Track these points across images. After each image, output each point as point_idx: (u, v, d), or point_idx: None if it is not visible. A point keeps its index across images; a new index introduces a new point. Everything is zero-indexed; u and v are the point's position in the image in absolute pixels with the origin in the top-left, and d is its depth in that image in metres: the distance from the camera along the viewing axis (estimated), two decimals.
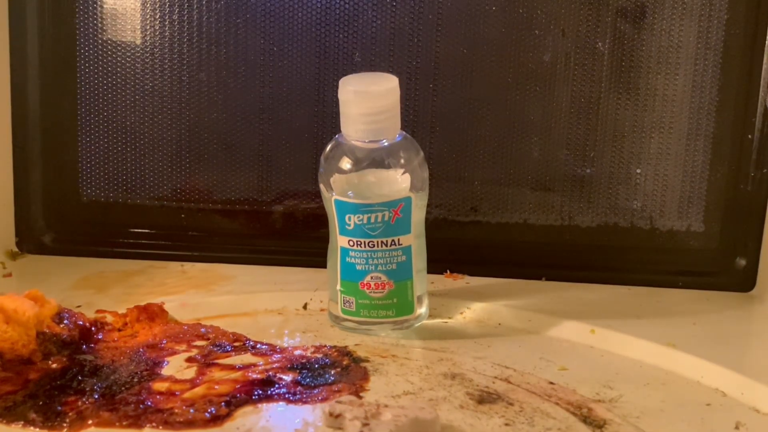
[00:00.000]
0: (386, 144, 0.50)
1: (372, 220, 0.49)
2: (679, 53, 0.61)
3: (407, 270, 0.50)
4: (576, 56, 0.62)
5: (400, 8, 0.63)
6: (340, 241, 0.51)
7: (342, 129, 0.50)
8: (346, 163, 0.50)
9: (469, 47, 0.63)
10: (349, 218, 0.49)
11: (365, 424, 0.37)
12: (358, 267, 0.50)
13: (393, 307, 0.50)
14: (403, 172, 0.50)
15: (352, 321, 0.51)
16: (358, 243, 0.50)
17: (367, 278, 0.50)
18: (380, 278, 0.50)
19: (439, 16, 0.62)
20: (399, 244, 0.50)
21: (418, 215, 0.51)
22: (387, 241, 0.50)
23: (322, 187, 0.51)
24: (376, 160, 0.50)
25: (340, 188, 0.50)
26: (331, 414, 0.38)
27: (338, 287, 0.51)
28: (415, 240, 0.51)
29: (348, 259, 0.50)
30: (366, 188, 0.49)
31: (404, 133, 0.51)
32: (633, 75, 0.62)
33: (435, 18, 0.62)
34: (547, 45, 0.62)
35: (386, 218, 0.49)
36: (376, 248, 0.50)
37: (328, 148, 0.51)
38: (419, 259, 0.51)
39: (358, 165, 0.50)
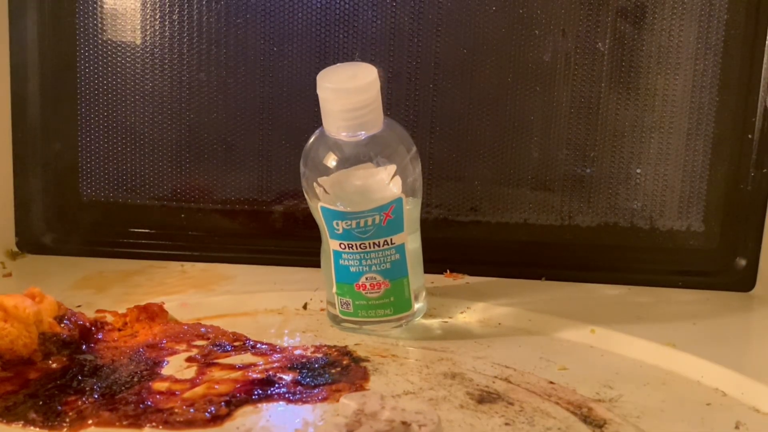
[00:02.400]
0: (371, 136, 0.47)
1: (361, 225, 0.48)
2: (679, 53, 0.61)
3: (402, 268, 0.49)
4: (576, 56, 0.62)
5: (400, 8, 0.63)
6: (331, 245, 0.49)
7: (324, 125, 0.48)
8: (331, 161, 0.48)
9: (469, 47, 0.63)
10: (337, 224, 0.48)
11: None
12: (352, 269, 0.49)
13: (390, 306, 0.50)
14: (394, 174, 0.47)
15: (351, 322, 0.51)
16: (350, 246, 0.48)
17: (362, 279, 0.49)
18: (375, 278, 0.49)
19: (439, 16, 0.62)
20: (392, 243, 0.49)
21: (411, 212, 0.49)
22: (379, 242, 0.48)
23: (306, 194, 0.49)
24: (362, 158, 0.47)
25: (325, 194, 0.48)
26: None
27: (334, 290, 0.51)
28: (408, 237, 0.49)
29: (341, 262, 0.49)
30: (353, 194, 0.47)
31: (392, 122, 0.49)
32: (633, 75, 0.62)
33: (435, 18, 0.62)
34: (547, 45, 0.62)
35: (377, 221, 0.48)
36: (368, 249, 0.48)
37: (310, 142, 0.49)
38: (414, 255, 0.50)
39: (344, 164, 0.47)
